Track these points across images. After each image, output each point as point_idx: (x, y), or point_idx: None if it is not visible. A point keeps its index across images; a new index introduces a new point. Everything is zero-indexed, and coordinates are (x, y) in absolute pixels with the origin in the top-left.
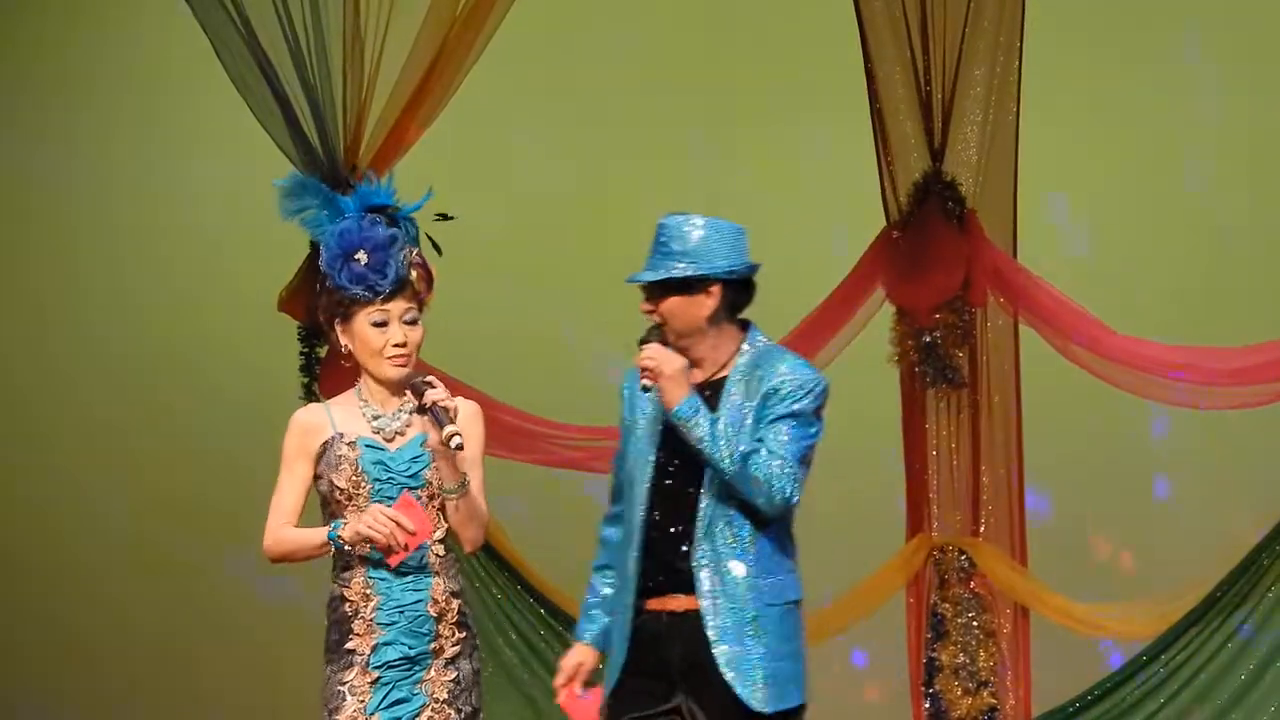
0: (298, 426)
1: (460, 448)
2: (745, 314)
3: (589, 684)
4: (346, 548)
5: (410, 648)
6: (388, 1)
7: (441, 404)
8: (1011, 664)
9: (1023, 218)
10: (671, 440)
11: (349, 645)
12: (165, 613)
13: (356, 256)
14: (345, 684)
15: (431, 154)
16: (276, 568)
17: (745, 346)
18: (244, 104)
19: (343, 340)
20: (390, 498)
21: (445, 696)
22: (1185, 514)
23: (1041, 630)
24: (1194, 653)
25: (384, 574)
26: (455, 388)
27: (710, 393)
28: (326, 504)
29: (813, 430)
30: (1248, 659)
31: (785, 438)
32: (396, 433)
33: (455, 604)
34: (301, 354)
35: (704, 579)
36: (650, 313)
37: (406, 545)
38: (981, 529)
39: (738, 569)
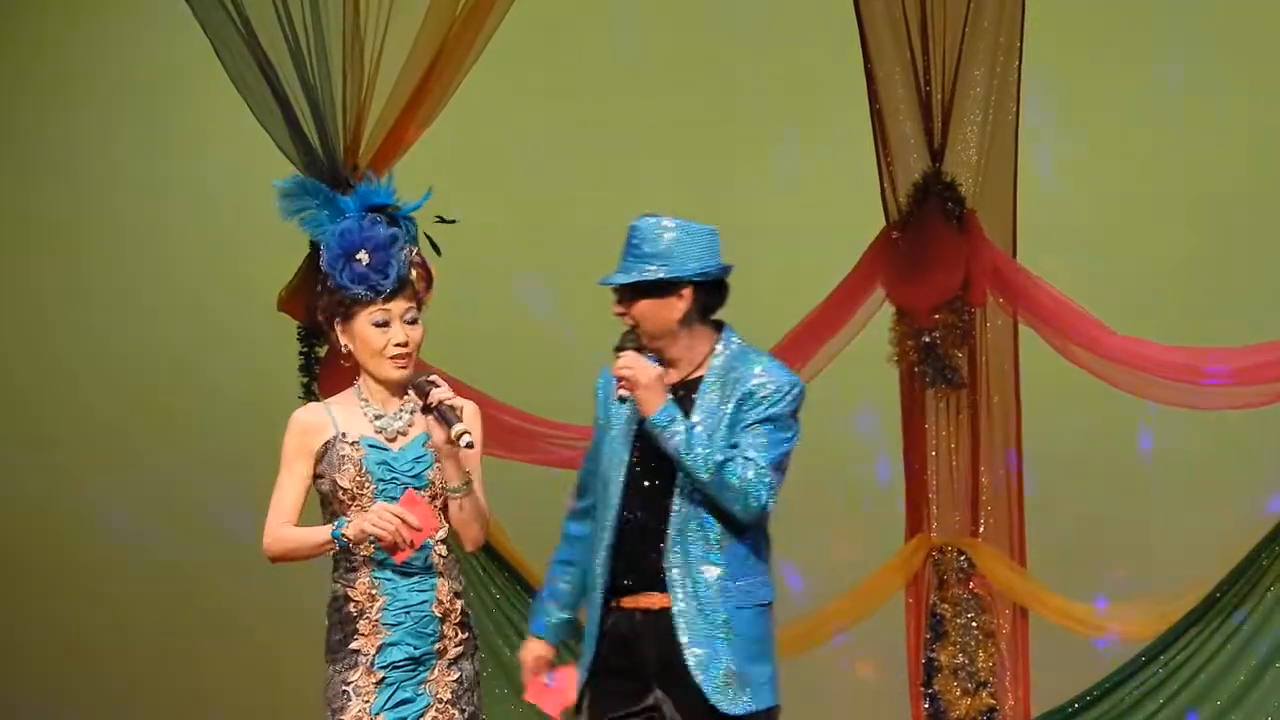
0: (298, 426)
1: (471, 445)
2: (745, 314)
3: (553, 667)
4: (351, 546)
5: (415, 648)
6: (387, 1)
7: (448, 403)
8: (1011, 664)
9: (1022, 218)
10: (646, 441)
11: (354, 645)
12: (165, 613)
13: (358, 256)
14: (350, 684)
15: (431, 154)
16: (276, 567)
17: (719, 347)
18: (244, 104)
19: (343, 340)
20: (393, 498)
21: (449, 697)
22: (1185, 514)
23: (1041, 630)
24: (1194, 653)
25: (390, 574)
26: (455, 387)
27: (685, 393)
28: (328, 503)
29: (789, 434)
30: (1248, 659)
31: (762, 443)
32: (399, 432)
33: (459, 604)
34: (301, 354)
35: (675, 580)
36: (622, 315)
37: (412, 542)
38: (981, 529)
39: (709, 571)
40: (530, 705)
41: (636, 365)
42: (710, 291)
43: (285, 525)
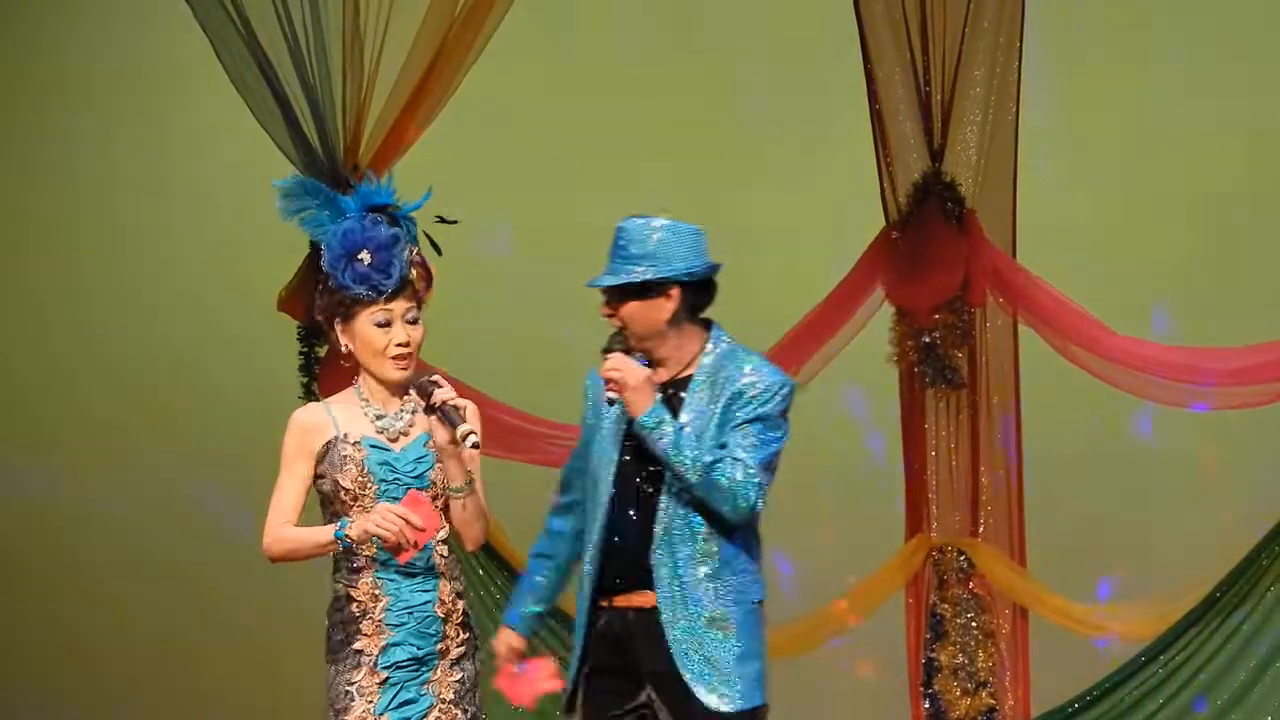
0: (298, 426)
1: (477, 445)
2: (745, 314)
3: (525, 658)
4: (354, 546)
5: (418, 648)
6: (387, 1)
7: (451, 403)
8: (1010, 664)
9: (1022, 218)
10: (635, 441)
11: (356, 645)
12: (165, 613)
13: (360, 256)
14: (353, 684)
15: (431, 154)
16: (276, 567)
17: (709, 346)
18: (244, 104)
19: (343, 340)
20: (396, 498)
21: (452, 697)
22: (1184, 514)
23: (1040, 631)
24: (1194, 653)
25: (393, 574)
26: (454, 387)
27: (674, 392)
28: (329, 504)
29: (778, 434)
30: (1248, 659)
31: (751, 443)
32: (400, 433)
33: (460, 605)
34: (301, 354)
35: (663, 579)
36: (610, 316)
37: (415, 542)
38: (980, 529)
39: (697, 570)
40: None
41: (624, 367)
42: (698, 291)
43: (286, 525)
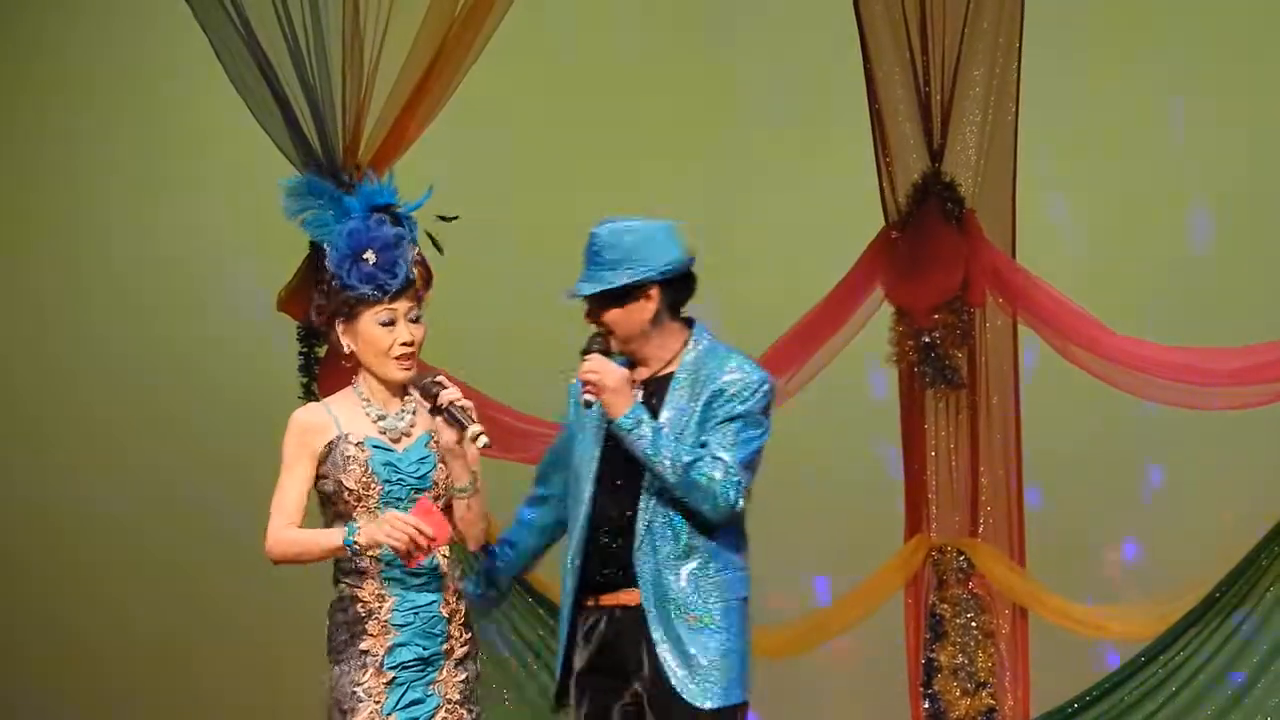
0: (299, 426)
1: (488, 445)
2: (744, 314)
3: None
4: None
5: (424, 649)
6: (387, 1)
7: (458, 404)
8: (1010, 665)
9: (1022, 218)
10: (615, 440)
11: (362, 646)
12: (165, 613)
13: (365, 256)
14: (360, 685)
15: (431, 153)
16: (277, 567)
17: (691, 344)
18: (244, 104)
19: (345, 341)
20: (399, 499)
21: (458, 697)
22: (1184, 514)
23: (1040, 631)
24: (1193, 653)
25: (398, 575)
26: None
27: (656, 388)
28: (330, 504)
29: (759, 431)
30: (1247, 659)
31: (731, 441)
32: (403, 433)
33: (463, 606)
34: (301, 354)
35: (645, 577)
36: (594, 323)
37: (427, 548)
38: (980, 530)
39: (678, 568)
40: (528, 706)
41: (602, 369)
42: (677, 287)
43: (289, 528)
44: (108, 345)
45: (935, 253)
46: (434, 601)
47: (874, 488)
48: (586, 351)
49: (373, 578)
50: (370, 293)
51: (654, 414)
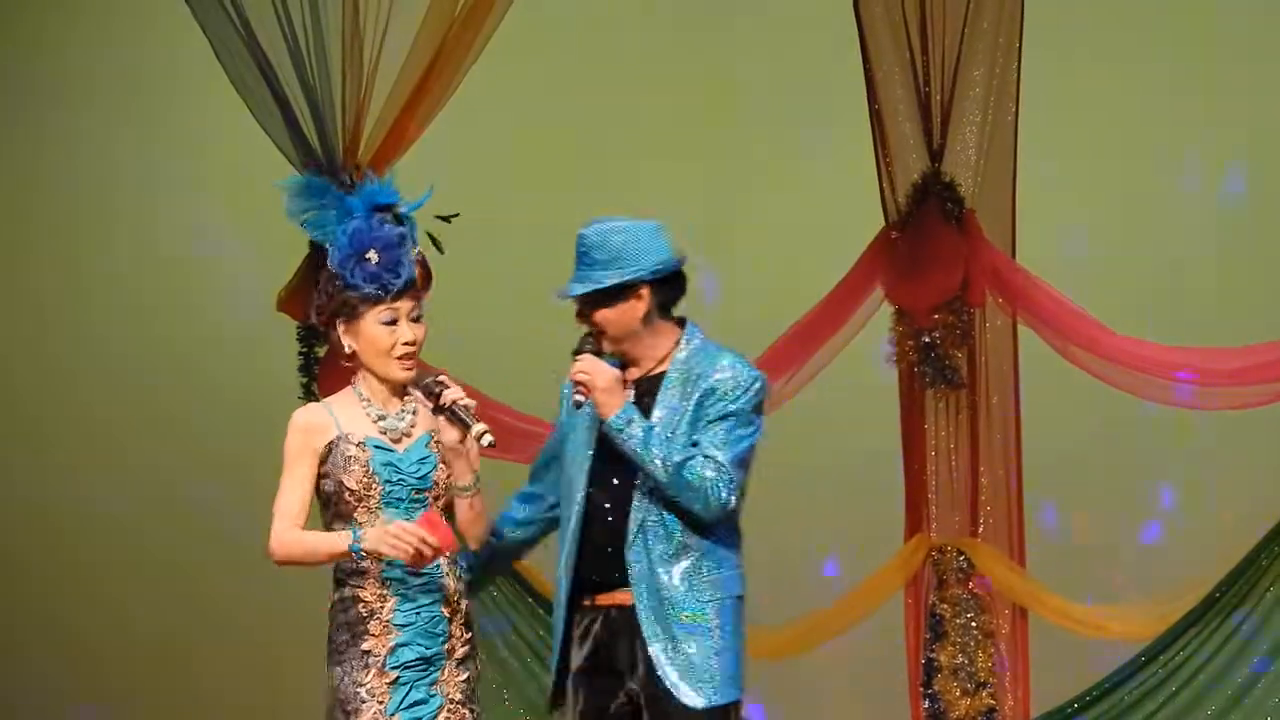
0: (301, 426)
1: (493, 444)
2: (744, 314)
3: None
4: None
5: (426, 648)
6: (387, 1)
7: (461, 403)
8: (1010, 665)
9: (1021, 218)
10: (607, 440)
11: (364, 646)
12: (165, 613)
13: (368, 255)
14: (363, 686)
15: (431, 153)
16: (276, 568)
17: (682, 343)
18: (244, 104)
19: (346, 341)
20: (400, 499)
21: (460, 697)
22: (1184, 514)
23: (1040, 630)
24: (1193, 653)
25: (400, 575)
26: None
27: (648, 388)
28: (331, 505)
29: (751, 429)
30: (1247, 659)
31: (722, 441)
32: (403, 434)
33: (465, 605)
34: (300, 354)
35: (638, 576)
36: (585, 324)
37: (431, 557)
38: (980, 530)
39: (671, 566)
40: (528, 706)
41: (593, 369)
42: (668, 286)
43: (293, 530)
44: (108, 345)
45: (935, 253)
46: (436, 601)
47: (874, 488)
48: (578, 352)
49: (374, 578)
50: (374, 292)
51: (646, 414)
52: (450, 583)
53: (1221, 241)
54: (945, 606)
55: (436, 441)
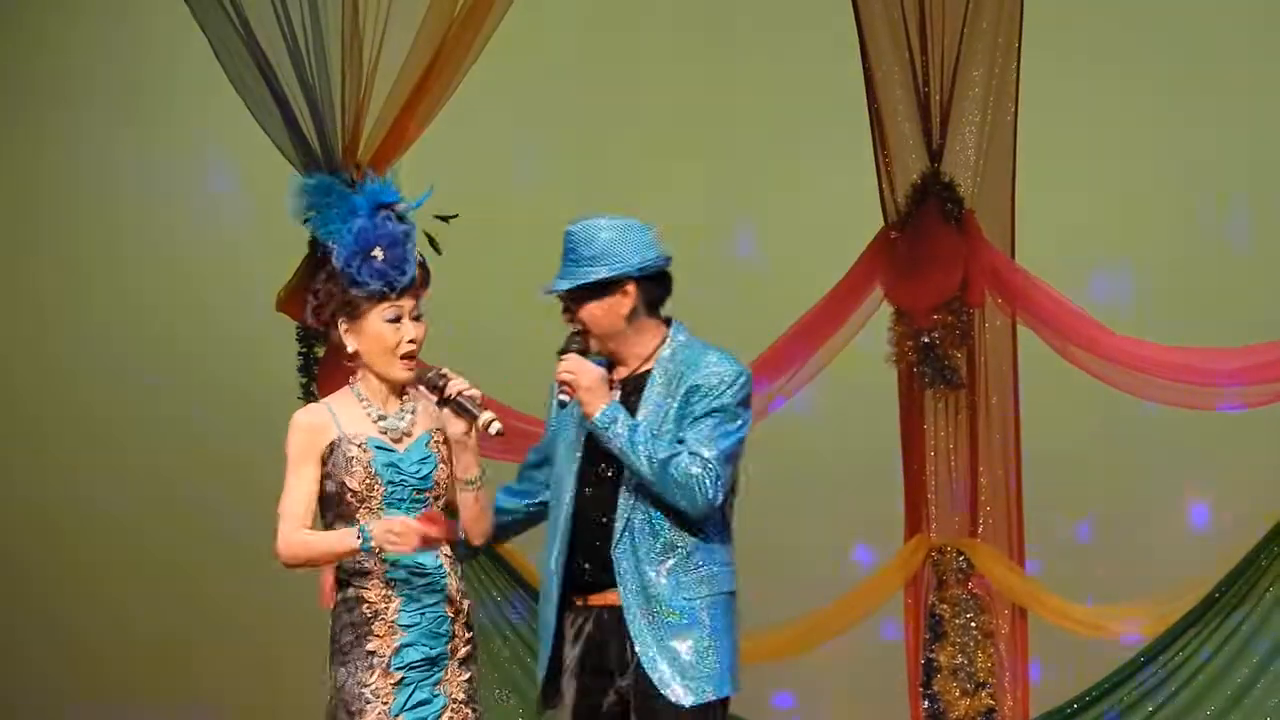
0: (303, 426)
1: (501, 433)
2: (743, 314)
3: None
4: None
5: (430, 648)
6: (386, 1)
7: (466, 393)
8: (1010, 665)
9: (1021, 218)
10: (595, 439)
11: (369, 647)
12: (165, 613)
13: (374, 253)
14: (367, 686)
15: (431, 153)
16: (276, 567)
17: (669, 341)
18: (243, 104)
19: (348, 340)
20: (402, 499)
21: (462, 697)
22: (1184, 514)
23: (1040, 630)
24: (1193, 653)
25: (405, 575)
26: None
27: (634, 387)
28: (332, 505)
29: (737, 425)
30: (1247, 659)
31: (708, 437)
32: (404, 433)
33: (467, 604)
34: (300, 354)
35: (625, 574)
36: (571, 321)
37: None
38: (980, 530)
39: (658, 564)
40: (527, 706)
41: (578, 368)
42: (654, 284)
43: (300, 531)
44: (108, 345)
45: (934, 253)
46: (440, 602)
47: (873, 488)
48: (563, 351)
49: (379, 579)
50: (380, 289)
51: (633, 412)
52: (453, 582)
53: (1221, 241)
54: (945, 607)
55: (437, 441)
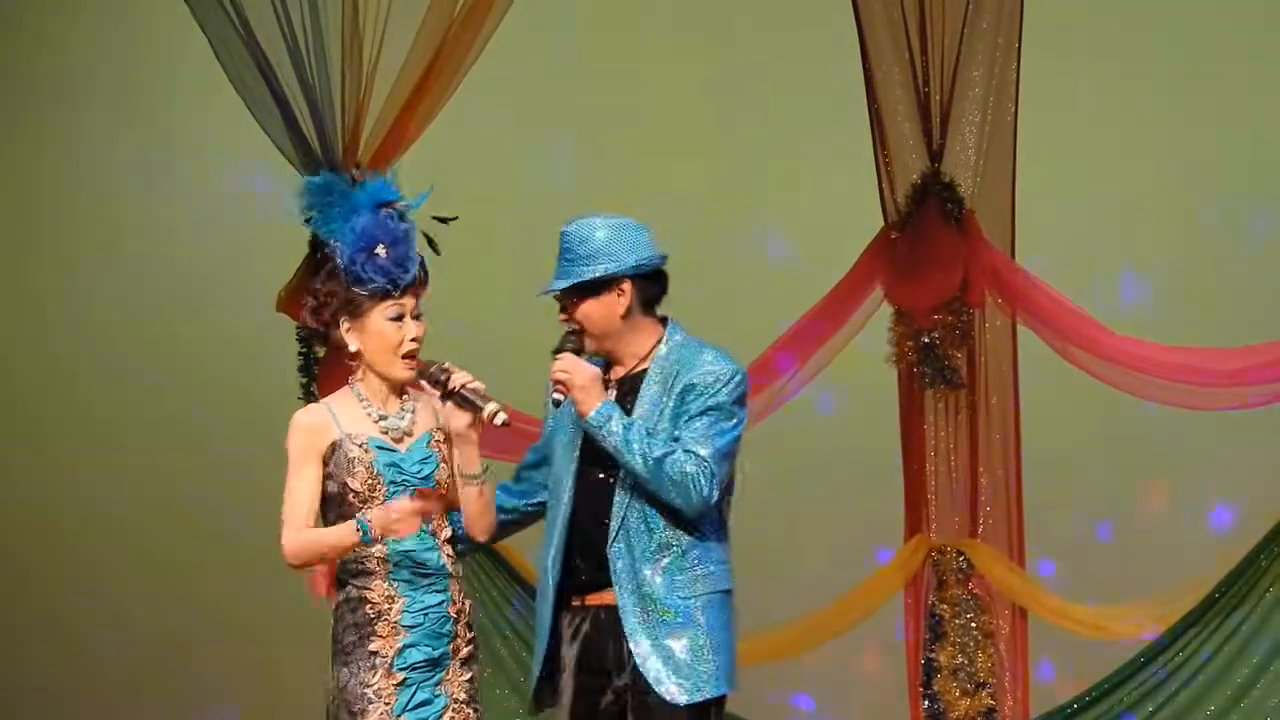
0: (304, 427)
1: (507, 423)
2: (743, 314)
3: None
4: (372, 542)
5: (433, 649)
6: (386, 1)
7: (470, 385)
8: (1010, 665)
9: (1021, 218)
10: (592, 439)
11: (372, 647)
12: (165, 612)
13: (377, 250)
14: (370, 687)
15: (431, 153)
16: (276, 567)
17: (665, 340)
18: (243, 104)
19: (350, 339)
20: None
21: (464, 697)
22: (1184, 514)
23: (1040, 631)
24: (1193, 653)
25: (408, 576)
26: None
27: (631, 386)
28: (334, 505)
29: (732, 423)
30: (1247, 659)
31: (703, 435)
32: (405, 433)
33: (469, 604)
34: (300, 354)
35: (620, 573)
36: (567, 322)
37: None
38: (980, 530)
39: (653, 563)
40: (526, 707)
41: (572, 367)
42: (649, 283)
43: (304, 530)
44: (108, 345)
45: (935, 253)
46: (443, 602)
47: (873, 488)
48: (558, 351)
49: (382, 579)
50: (384, 286)
51: (629, 412)
52: (455, 583)
53: (1221, 241)
54: (945, 607)
55: (438, 440)
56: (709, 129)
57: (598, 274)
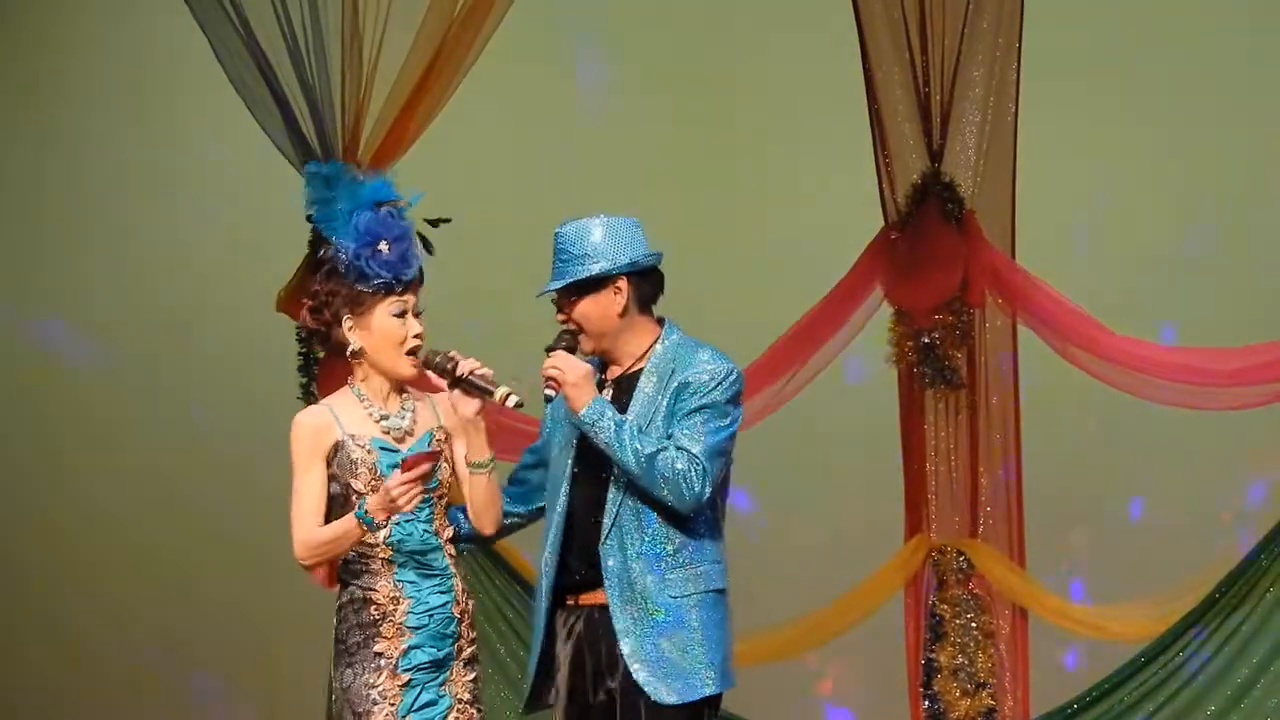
0: (307, 428)
1: (521, 404)
2: (743, 314)
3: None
4: (374, 530)
5: (437, 650)
6: (386, 1)
7: (479, 372)
8: (1010, 665)
9: (1021, 218)
10: (586, 438)
11: (376, 648)
12: (165, 613)
13: (380, 246)
14: (374, 688)
15: (431, 153)
16: (276, 567)
17: (661, 339)
18: (243, 103)
19: (353, 337)
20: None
21: (467, 697)
22: (1184, 514)
23: (1040, 631)
24: (1194, 653)
25: (412, 577)
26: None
27: (627, 385)
28: (338, 506)
29: (726, 421)
30: (1247, 659)
31: (696, 432)
32: (406, 432)
33: (471, 604)
34: (300, 354)
35: (612, 572)
36: (565, 322)
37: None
38: (980, 530)
39: (646, 562)
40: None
41: (564, 364)
42: (645, 282)
43: (314, 530)
44: (108, 345)
45: (935, 253)
46: (447, 603)
47: (873, 488)
48: (552, 348)
49: (386, 580)
50: (387, 282)
51: (625, 411)
52: (459, 583)
53: (1221, 242)
54: (945, 607)
55: (439, 440)
56: (709, 129)
57: (593, 272)
